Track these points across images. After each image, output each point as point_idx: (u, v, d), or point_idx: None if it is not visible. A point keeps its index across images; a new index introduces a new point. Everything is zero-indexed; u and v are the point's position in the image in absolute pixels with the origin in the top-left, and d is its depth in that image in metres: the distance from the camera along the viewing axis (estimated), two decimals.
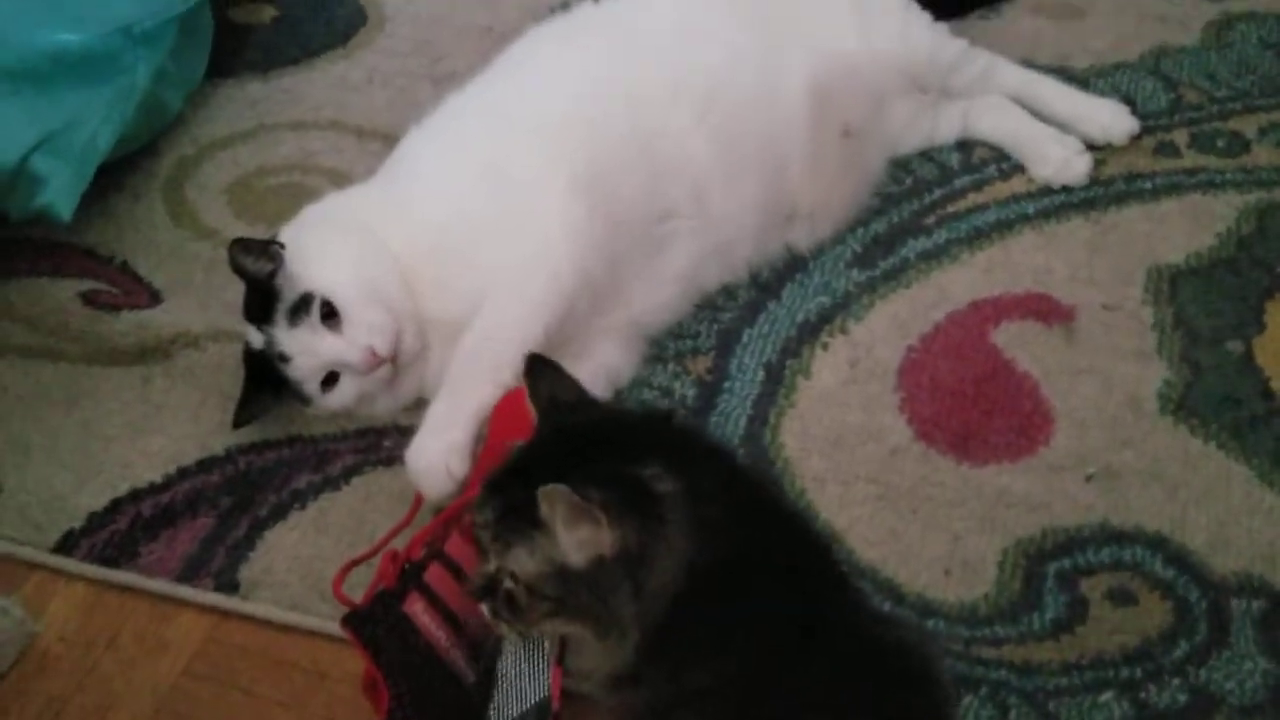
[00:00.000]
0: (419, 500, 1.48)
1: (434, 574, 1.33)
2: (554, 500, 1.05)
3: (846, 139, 1.83)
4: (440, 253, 1.62)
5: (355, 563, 1.43)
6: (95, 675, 1.46)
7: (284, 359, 1.58)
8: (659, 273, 1.71)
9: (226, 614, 1.51)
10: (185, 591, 1.52)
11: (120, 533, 1.59)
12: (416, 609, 1.31)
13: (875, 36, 1.88)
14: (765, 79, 1.77)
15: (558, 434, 1.17)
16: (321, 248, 1.62)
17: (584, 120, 1.68)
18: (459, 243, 1.61)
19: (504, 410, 1.47)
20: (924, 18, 1.95)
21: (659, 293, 1.72)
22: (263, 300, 1.59)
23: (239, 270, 1.60)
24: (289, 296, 1.58)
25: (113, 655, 1.48)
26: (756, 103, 1.76)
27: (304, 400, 1.62)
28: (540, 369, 1.21)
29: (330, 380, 1.60)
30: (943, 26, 1.97)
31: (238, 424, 1.65)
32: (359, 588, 1.39)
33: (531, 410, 1.40)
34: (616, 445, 1.14)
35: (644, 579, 1.07)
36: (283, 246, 1.62)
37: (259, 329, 1.60)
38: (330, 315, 1.57)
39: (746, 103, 1.75)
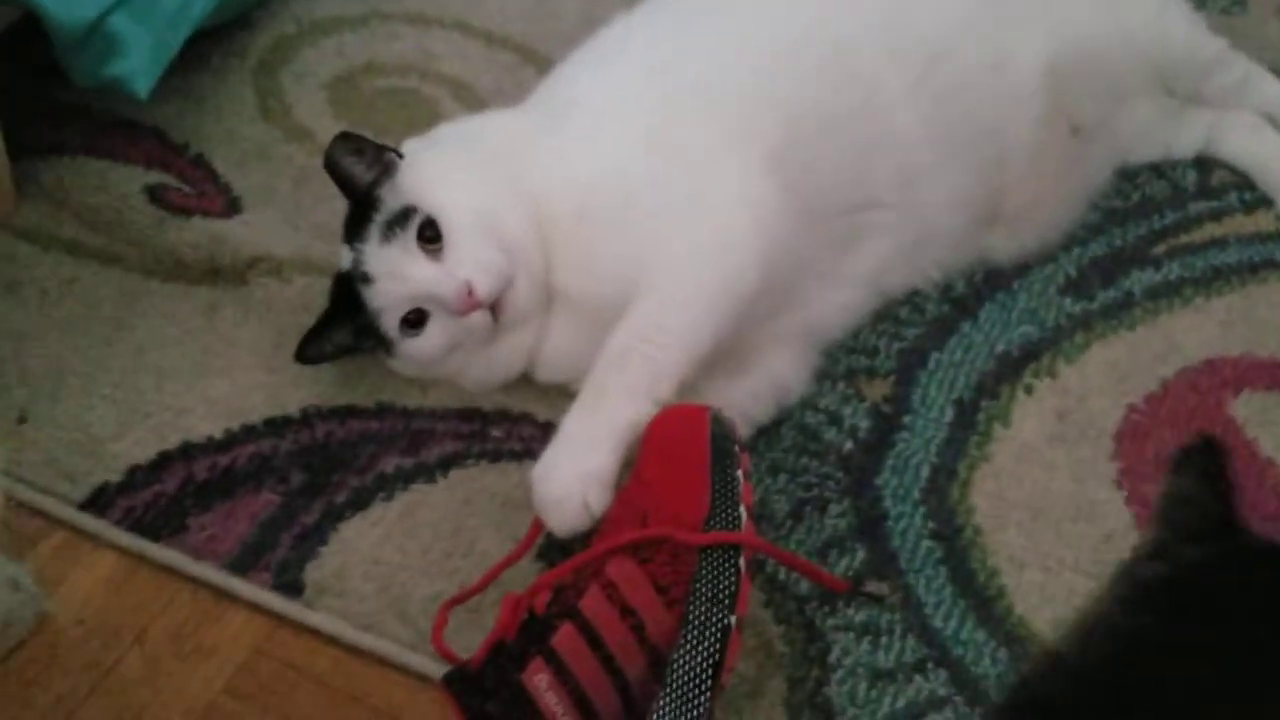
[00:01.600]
0: (538, 526, 1.20)
1: (565, 638, 1.06)
2: None
3: (1076, 137, 1.54)
4: (590, 217, 1.34)
5: (456, 601, 1.16)
6: (115, 677, 1.20)
7: (366, 280, 1.31)
8: (843, 271, 1.44)
9: (284, 621, 1.24)
10: (237, 585, 1.26)
11: (166, 496, 1.33)
12: (539, 682, 1.04)
13: (1128, 21, 1.58)
14: (995, 51, 1.49)
15: None
16: (444, 164, 1.36)
17: (783, 79, 1.39)
18: (616, 210, 1.33)
19: (659, 433, 1.18)
20: (1184, 7, 1.64)
21: (839, 295, 1.44)
22: (359, 213, 1.33)
23: (334, 168, 1.35)
24: (390, 207, 1.32)
25: (139, 654, 1.22)
26: (982, 78, 1.48)
27: (383, 343, 1.34)
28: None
29: (417, 323, 1.32)
30: (1201, 20, 1.65)
31: (304, 357, 1.38)
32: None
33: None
34: None
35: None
36: (400, 156, 1.36)
37: (351, 247, 1.33)
38: (433, 239, 1.30)
39: (971, 76, 1.47)
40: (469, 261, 1.29)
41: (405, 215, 1.30)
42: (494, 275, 1.29)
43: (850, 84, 1.41)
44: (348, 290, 1.34)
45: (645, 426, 1.20)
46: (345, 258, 1.35)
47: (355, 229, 1.33)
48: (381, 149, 1.37)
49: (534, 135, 1.39)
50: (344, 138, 1.35)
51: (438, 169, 1.35)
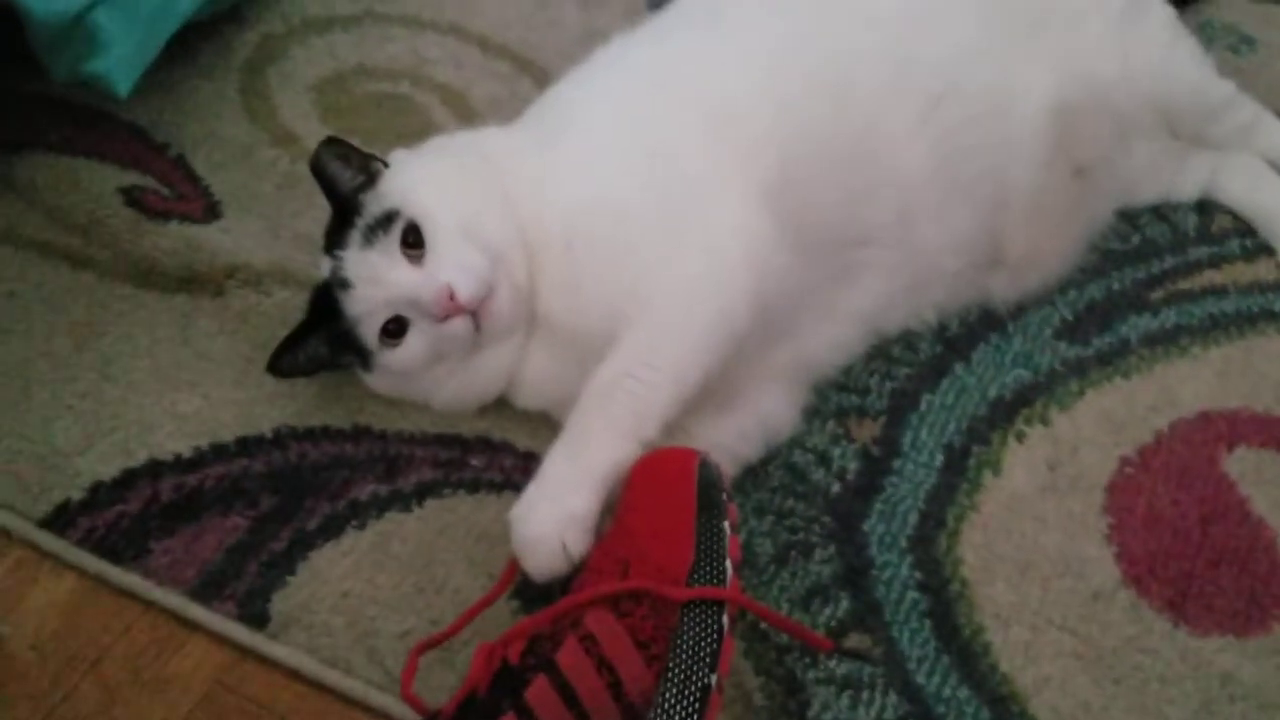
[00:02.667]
0: (514, 568, 1.16)
1: (539, 693, 1.01)
2: None
3: (1079, 179, 1.50)
4: (579, 244, 1.29)
5: (428, 646, 1.12)
6: (69, 706, 1.16)
7: (345, 285, 1.27)
8: (838, 308, 1.40)
9: (247, 653, 1.20)
10: (200, 614, 1.22)
11: (130, 516, 1.28)
12: None
13: (1136, 61, 1.54)
14: (1002, 89, 1.45)
15: None
16: (431, 170, 1.33)
17: (784, 107, 1.35)
18: (606, 238, 1.29)
19: (644, 478, 1.14)
20: (1194, 48, 1.61)
21: (834, 332, 1.41)
22: (341, 219, 1.30)
23: (320, 172, 1.32)
24: (372, 212, 1.28)
25: (94, 682, 1.18)
26: (988, 117, 1.44)
27: (361, 355, 1.31)
28: None
29: (396, 333, 1.28)
30: (1210, 62, 1.62)
31: (276, 370, 1.33)
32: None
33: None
34: None
35: None
36: (386, 165, 1.33)
37: (331, 255, 1.29)
38: (415, 244, 1.26)
39: (976, 115, 1.43)
40: (451, 266, 1.25)
41: (388, 219, 1.27)
42: (476, 279, 1.25)
43: (854, 118, 1.37)
44: (326, 301, 1.30)
45: (629, 469, 1.16)
46: (325, 266, 1.31)
47: (336, 236, 1.30)
48: (368, 156, 1.34)
49: (526, 155, 1.35)
50: (331, 142, 1.32)
51: (424, 174, 1.32)
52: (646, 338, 1.24)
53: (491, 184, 1.32)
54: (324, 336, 1.32)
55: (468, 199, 1.30)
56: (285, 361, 1.33)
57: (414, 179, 1.31)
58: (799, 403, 1.38)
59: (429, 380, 1.33)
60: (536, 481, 1.18)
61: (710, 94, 1.35)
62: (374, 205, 1.29)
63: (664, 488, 1.11)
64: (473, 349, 1.30)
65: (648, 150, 1.32)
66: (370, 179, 1.32)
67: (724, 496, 1.11)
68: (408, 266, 1.26)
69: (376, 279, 1.27)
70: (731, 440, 1.30)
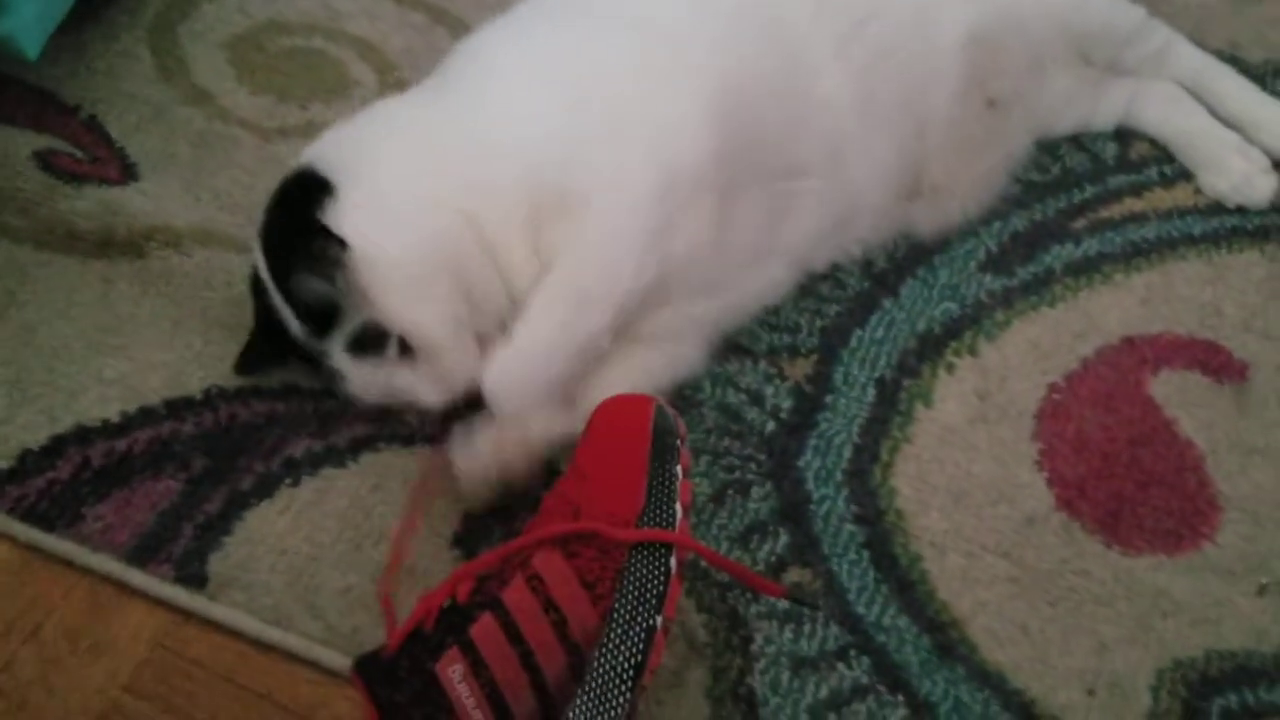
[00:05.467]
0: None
1: (483, 630, 1.02)
2: None
3: (992, 110, 1.52)
4: (536, 205, 1.26)
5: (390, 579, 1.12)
6: (8, 676, 1.15)
7: (336, 379, 1.27)
8: (769, 244, 1.40)
9: (187, 615, 1.19)
10: (137, 578, 1.21)
11: (60, 484, 1.26)
12: (453, 674, 1.01)
13: None
14: (922, 18, 1.46)
15: None
16: (394, 258, 1.23)
17: (718, 41, 1.34)
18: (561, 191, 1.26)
19: (601, 423, 1.13)
20: None
21: (764, 270, 1.41)
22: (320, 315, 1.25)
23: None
24: (352, 316, 1.23)
25: (34, 651, 1.16)
26: (908, 45, 1.45)
27: None
28: None
29: None
30: None
31: (243, 371, 1.33)
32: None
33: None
34: None
35: None
36: (344, 245, 1.21)
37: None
38: (408, 349, 1.25)
39: (897, 43, 1.44)
40: (448, 376, 1.25)
41: (376, 336, 1.24)
42: (473, 371, 1.25)
43: (782, 49, 1.37)
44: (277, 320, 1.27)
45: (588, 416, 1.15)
46: (260, 264, 1.26)
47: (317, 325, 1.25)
48: (322, 252, 1.22)
49: (456, 129, 1.30)
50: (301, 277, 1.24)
51: (391, 270, 1.23)
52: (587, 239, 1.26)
53: (463, 230, 1.26)
54: (283, 349, 1.30)
55: (453, 288, 1.25)
56: (246, 365, 1.33)
57: (385, 279, 1.22)
58: (709, 347, 1.39)
59: None
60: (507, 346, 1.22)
61: (645, 37, 1.33)
62: (351, 306, 1.23)
63: (619, 434, 1.11)
64: None
65: (572, 94, 1.29)
66: (338, 267, 1.22)
67: (678, 442, 1.10)
68: (404, 370, 1.25)
69: (373, 383, 1.26)
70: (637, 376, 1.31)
